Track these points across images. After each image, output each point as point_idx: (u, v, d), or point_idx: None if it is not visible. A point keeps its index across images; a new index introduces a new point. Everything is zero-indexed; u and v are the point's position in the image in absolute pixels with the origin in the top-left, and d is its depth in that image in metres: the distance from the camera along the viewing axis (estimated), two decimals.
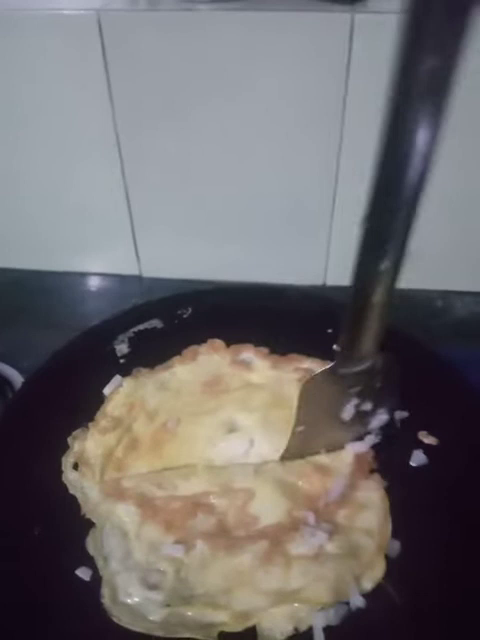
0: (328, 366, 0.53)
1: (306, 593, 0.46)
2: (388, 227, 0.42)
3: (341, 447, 0.55)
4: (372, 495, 0.52)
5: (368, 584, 0.47)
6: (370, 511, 0.51)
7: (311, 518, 0.50)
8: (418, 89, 0.34)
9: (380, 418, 0.56)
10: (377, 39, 0.62)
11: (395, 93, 0.35)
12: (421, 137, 0.36)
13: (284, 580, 0.47)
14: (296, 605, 0.45)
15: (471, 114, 0.65)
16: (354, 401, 0.54)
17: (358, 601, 0.46)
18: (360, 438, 0.56)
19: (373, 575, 0.47)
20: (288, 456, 0.55)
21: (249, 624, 0.45)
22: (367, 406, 0.54)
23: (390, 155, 0.38)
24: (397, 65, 0.34)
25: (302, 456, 0.55)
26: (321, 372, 0.54)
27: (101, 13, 0.64)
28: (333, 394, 0.53)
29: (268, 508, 0.51)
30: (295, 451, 0.55)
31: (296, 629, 0.45)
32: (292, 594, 0.46)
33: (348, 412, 0.54)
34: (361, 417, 0.55)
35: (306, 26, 0.63)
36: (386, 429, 0.57)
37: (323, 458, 0.54)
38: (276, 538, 0.49)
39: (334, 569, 0.47)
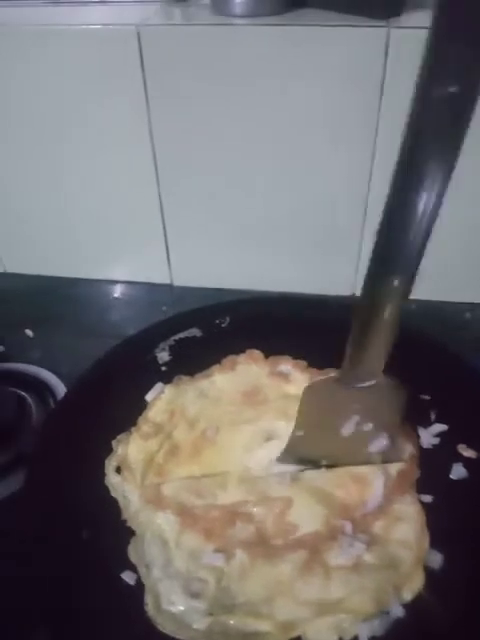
0: (332, 375, 0.53)
1: (348, 603, 0.46)
2: (400, 243, 0.42)
3: (338, 464, 0.55)
4: (408, 508, 0.52)
5: (408, 595, 0.47)
6: (406, 523, 0.51)
7: (348, 527, 0.50)
8: (437, 115, 0.35)
9: (380, 442, 0.55)
10: (412, 54, 0.62)
11: (414, 118, 0.36)
12: (436, 163, 0.37)
13: (324, 590, 0.47)
14: (340, 616, 0.46)
15: None
16: (355, 418, 0.53)
17: (399, 611, 0.46)
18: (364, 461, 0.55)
19: (412, 586, 0.48)
20: (283, 459, 0.55)
21: (294, 635, 0.45)
22: (367, 426, 0.54)
23: (406, 174, 0.39)
24: (417, 91, 0.34)
25: (301, 462, 0.55)
26: (325, 380, 0.55)
27: (140, 28, 0.65)
28: (334, 405, 0.53)
29: (306, 516, 0.51)
30: (292, 456, 0.55)
31: (340, 639, 0.45)
32: (335, 605, 0.46)
33: (348, 428, 0.54)
34: (361, 437, 0.54)
35: (341, 41, 0.64)
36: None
37: (363, 469, 0.55)
38: (314, 547, 0.49)
39: (374, 580, 0.47)
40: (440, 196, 0.39)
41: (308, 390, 0.54)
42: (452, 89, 0.33)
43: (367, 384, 0.51)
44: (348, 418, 0.53)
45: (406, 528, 0.51)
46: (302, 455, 0.55)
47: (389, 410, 0.54)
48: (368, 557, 0.49)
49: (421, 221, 0.40)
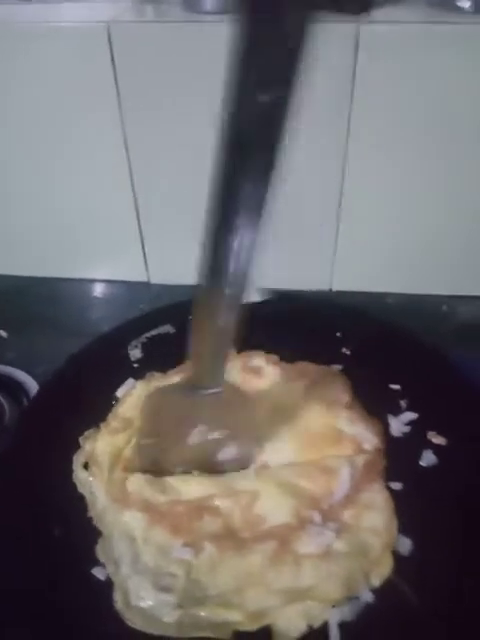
0: (173, 383, 0.54)
1: (318, 591, 0.47)
2: (224, 257, 0.41)
3: (191, 471, 0.54)
4: (376, 496, 0.53)
5: (376, 580, 0.48)
6: (375, 511, 0.52)
7: (317, 517, 0.51)
8: (250, 124, 0.34)
9: (230, 451, 0.55)
10: (382, 50, 0.63)
11: (229, 127, 0.35)
12: (252, 178, 0.38)
13: (295, 579, 0.47)
14: (309, 603, 0.46)
15: (469, 122, 0.67)
16: (202, 427, 0.54)
17: (368, 597, 0.47)
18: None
19: (381, 572, 0.48)
20: (134, 469, 0.55)
21: (264, 623, 0.45)
22: (214, 435, 0.54)
23: (222, 187, 0.39)
24: (229, 101, 0.34)
25: (153, 471, 0.54)
26: (169, 387, 0.55)
27: (111, 25, 0.65)
28: (181, 413, 0.53)
29: (273, 508, 0.51)
30: (144, 464, 0.55)
31: (310, 626, 0.45)
32: (304, 592, 0.47)
33: (194, 437, 0.54)
34: (209, 445, 0.54)
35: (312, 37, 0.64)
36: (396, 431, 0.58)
37: (329, 461, 0.55)
38: (283, 538, 0.49)
39: (344, 566, 0.48)
40: (260, 208, 0.39)
41: (151, 398, 0.55)
42: (263, 98, 0.32)
43: (210, 392, 0.51)
44: (195, 426, 0.54)
45: (375, 516, 0.51)
46: (152, 463, 0.55)
47: (236, 417, 0.54)
48: (338, 545, 0.49)
49: (242, 235, 0.40)
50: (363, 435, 0.57)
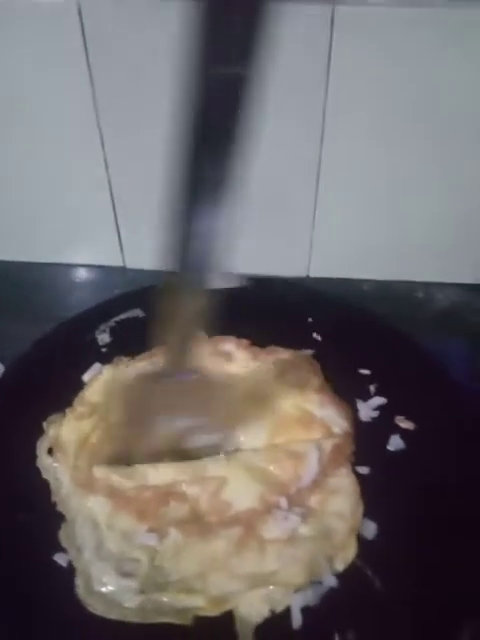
0: (145, 372, 0.54)
1: (281, 575, 0.47)
2: (188, 240, 0.42)
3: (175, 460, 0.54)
4: (343, 481, 0.53)
5: (340, 565, 0.48)
6: (341, 496, 0.52)
7: (283, 502, 0.51)
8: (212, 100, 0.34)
9: (203, 437, 0.55)
10: (358, 31, 0.63)
11: (189, 105, 0.34)
12: (216, 154, 0.37)
13: (259, 564, 0.47)
14: (271, 588, 0.46)
15: (447, 106, 0.66)
16: (173, 414, 0.54)
17: (331, 581, 0.47)
18: None
19: (345, 556, 0.48)
20: (103, 459, 0.54)
21: (226, 608, 0.45)
22: (187, 421, 0.54)
23: (185, 168, 0.38)
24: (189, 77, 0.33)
25: (126, 461, 0.54)
26: (146, 376, 0.54)
27: (81, 1, 0.64)
28: (151, 402, 0.53)
29: (241, 494, 0.51)
30: (117, 454, 0.54)
31: (272, 611, 0.45)
32: (267, 577, 0.47)
33: (167, 425, 0.54)
34: (184, 432, 0.54)
35: (286, 19, 0.63)
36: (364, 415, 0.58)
37: (298, 445, 0.55)
38: (249, 523, 0.49)
39: (307, 551, 0.48)
40: (224, 188, 0.38)
41: (123, 387, 0.55)
42: (228, 70, 0.32)
43: (181, 378, 0.51)
44: (167, 414, 0.54)
45: (341, 500, 0.51)
46: (125, 453, 0.54)
47: (209, 402, 0.54)
48: (303, 530, 0.49)
49: (206, 216, 0.40)
50: (332, 419, 0.57)
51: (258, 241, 0.83)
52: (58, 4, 0.64)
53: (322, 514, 0.51)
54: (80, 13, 0.64)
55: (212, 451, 0.55)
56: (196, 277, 0.44)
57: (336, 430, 0.56)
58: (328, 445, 0.54)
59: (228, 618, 0.45)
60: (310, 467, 0.53)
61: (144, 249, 0.85)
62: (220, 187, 0.38)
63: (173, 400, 0.53)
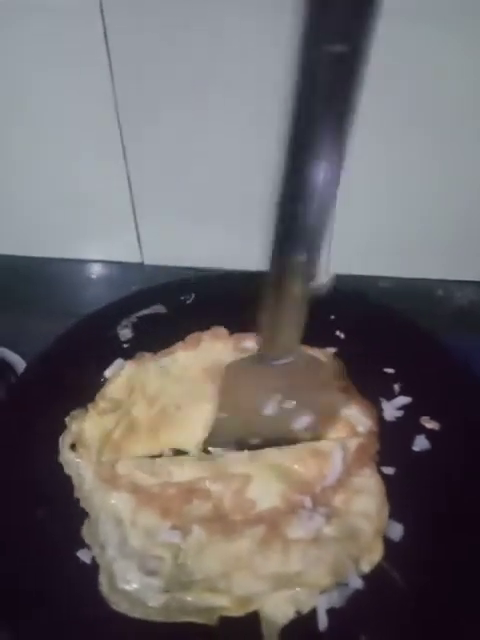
0: (250, 355, 0.53)
1: (306, 577, 0.46)
2: (300, 218, 0.40)
3: (266, 445, 0.54)
4: (368, 481, 0.52)
5: (366, 566, 0.47)
6: (366, 496, 0.51)
7: (308, 502, 0.50)
8: (325, 76, 0.32)
9: (304, 419, 0.55)
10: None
11: (301, 81, 0.33)
12: (329, 130, 0.35)
13: (283, 564, 0.47)
14: (297, 589, 0.45)
15: (461, 101, 0.65)
16: (277, 397, 0.53)
17: (357, 583, 0.46)
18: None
19: (371, 558, 0.48)
20: (209, 444, 0.55)
21: (250, 609, 0.45)
22: (290, 404, 0.54)
23: (297, 143, 0.37)
24: (302, 52, 0.32)
25: (227, 445, 0.55)
26: (244, 359, 0.53)
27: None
28: (256, 384, 0.53)
29: (264, 492, 0.51)
30: (218, 438, 0.55)
31: (298, 612, 0.45)
32: (292, 578, 0.46)
33: (271, 407, 0.53)
34: (285, 415, 0.54)
35: (291, 8, 0.62)
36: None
37: (322, 444, 0.54)
38: (273, 522, 0.49)
39: (332, 552, 0.47)
40: (336, 165, 0.37)
41: (229, 370, 0.54)
42: (338, 48, 0.31)
43: (284, 361, 0.50)
44: (270, 397, 0.53)
45: (366, 500, 0.51)
46: (228, 437, 0.55)
47: (311, 385, 0.54)
48: (328, 530, 0.49)
49: (318, 193, 0.38)
50: (357, 418, 0.57)
51: None
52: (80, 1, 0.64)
53: (347, 514, 0.50)
54: (102, 10, 0.63)
55: (314, 436, 0.55)
56: (307, 260, 0.42)
57: (360, 429, 0.56)
58: (353, 444, 0.54)
59: (253, 619, 0.44)
60: (334, 466, 0.52)
61: (163, 245, 0.86)
62: (333, 164, 0.37)
63: (276, 383, 0.53)
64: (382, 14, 0.61)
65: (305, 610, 0.45)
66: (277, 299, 0.45)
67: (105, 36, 0.65)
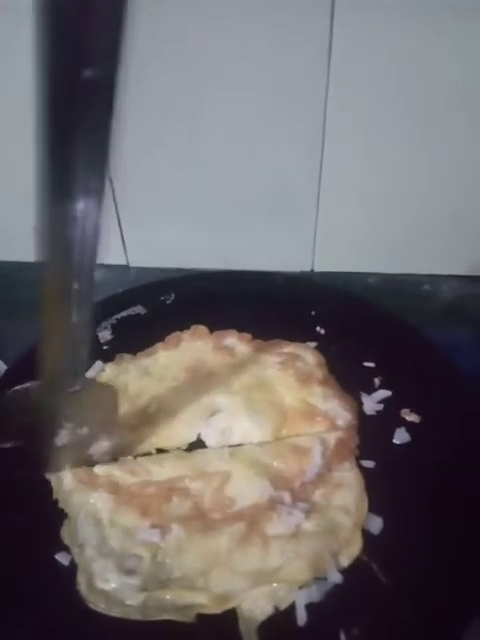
0: (33, 383, 0.50)
1: (285, 572, 0.46)
2: (67, 243, 0.39)
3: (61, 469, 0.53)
4: (347, 474, 0.52)
5: (345, 560, 0.47)
6: (346, 490, 0.51)
7: (287, 497, 0.50)
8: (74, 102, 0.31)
9: (101, 444, 0.54)
10: (359, 20, 0.62)
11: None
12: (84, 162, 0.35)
13: (262, 560, 0.47)
14: (275, 585, 0.45)
15: (450, 96, 0.65)
16: (69, 425, 0.52)
17: (336, 577, 0.46)
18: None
19: (350, 552, 0.48)
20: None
21: (229, 606, 0.45)
22: (83, 430, 0.52)
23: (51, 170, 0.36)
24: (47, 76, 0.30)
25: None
26: (29, 388, 0.51)
27: None
28: (47, 412, 0.51)
29: (244, 489, 0.51)
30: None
31: (276, 608, 0.44)
32: (271, 574, 0.46)
33: (63, 437, 0.52)
34: (80, 441, 0.53)
35: (286, 6, 0.63)
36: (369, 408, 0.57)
37: (301, 440, 0.54)
38: (253, 519, 0.49)
39: (312, 547, 0.47)
40: (98, 190, 0.37)
41: (10, 398, 0.52)
42: (88, 74, 0.30)
43: (73, 389, 0.49)
44: (62, 425, 0.52)
45: (346, 494, 0.51)
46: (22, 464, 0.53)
47: (104, 410, 0.54)
48: (307, 525, 0.49)
49: (83, 219, 0.38)
50: (337, 412, 0.57)
51: (262, 236, 0.83)
52: None
53: (326, 509, 0.50)
54: None
55: (112, 458, 0.54)
56: (80, 284, 0.42)
57: (340, 423, 0.56)
58: (332, 438, 0.54)
59: (231, 616, 0.44)
60: (314, 461, 0.52)
61: (147, 247, 0.86)
62: (94, 187, 0.38)
63: (67, 411, 0.51)
64: (373, 9, 0.61)
65: (283, 606, 0.45)
66: (53, 328, 0.45)
67: None
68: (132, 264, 0.88)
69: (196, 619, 0.44)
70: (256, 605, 0.44)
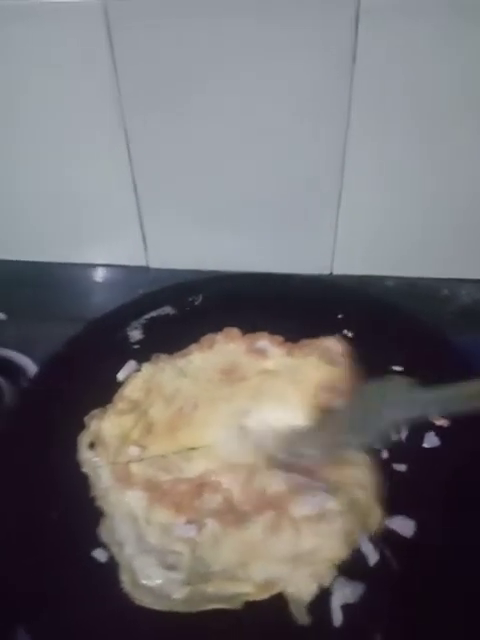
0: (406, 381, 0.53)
1: (322, 552, 0.48)
2: None
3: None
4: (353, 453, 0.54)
5: (371, 531, 0.49)
6: (355, 467, 0.53)
7: (308, 480, 0.52)
8: None
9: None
10: (384, 24, 0.62)
11: None
12: None
13: (296, 544, 0.48)
14: (316, 565, 0.47)
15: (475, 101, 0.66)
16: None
17: (368, 550, 0.48)
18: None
19: (374, 522, 0.50)
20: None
21: (274, 592, 0.46)
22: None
23: None
24: None
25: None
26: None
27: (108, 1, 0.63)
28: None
29: (269, 479, 0.52)
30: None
31: (320, 586, 0.46)
32: (308, 555, 0.48)
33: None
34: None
35: (311, 11, 0.63)
36: None
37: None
38: (280, 505, 0.50)
39: (341, 524, 0.49)
40: None
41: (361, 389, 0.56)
42: None
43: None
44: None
45: (357, 471, 0.53)
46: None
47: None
48: (331, 504, 0.50)
49: None
50: None
51: (282, 238, 0.83)
52: (83, 3, 0.64)
53: (344, 486, 0.52)
54: (106, 10, 0.63)
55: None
56: None
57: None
58: None
59: (277, 601, 0.46)
60: None
61: (168, 249, 0.86)
62: None
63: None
64: (409, 11, 0.60)
65: (327, 583, 0.46)
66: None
67: (109, 36, 0.65)
68: (152, 265, 0.88)
69: (245, 605, 0.45)
70: (301, 586, 0.46)
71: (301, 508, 0.50)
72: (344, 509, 0.50)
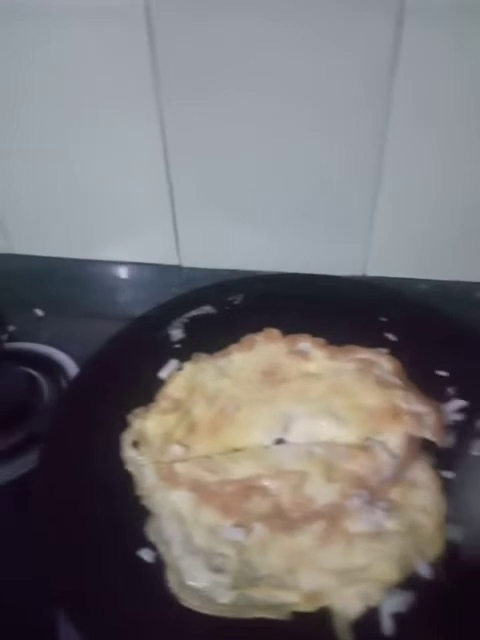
0: None
1: (373, 571, 0.46)
2: None
3: None
4: (422, 474, 0.53)
5: (430, 561, 0.47)
6: (422, 490, 0.52)
7: (366, 496, 0.50)
8: None
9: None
10: (427, 24, 0.61)
11: None
12: None
13: (347, 558, 0.47)
14: (366, 584, 0.45)
15: None
16: None
17: (425, 571, 0.46)
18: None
19: (433, 552, 0.48)
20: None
21: (321, 604, 0.45)
22: None
23: None
24: None
25: None
26: None
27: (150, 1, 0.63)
28: None
29: (321, 489, 0.51)
30: None
31: (367, 607, 0.45)
32: (359, 572, 0.46)
33: None
34: None
35: (350, 15, 0.62)
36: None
37: (368, 441, 0.55)
38: (332, 517, 0.49)
39: (397, 547, 0.47)
40: None
41: None
42: None
43: None
44: None
45: (423, 494, 0.51)
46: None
47: None
48: (389, 524, 0.49)
49: None
50: (422, 410, 0.56)
51: (315, 240, 0.83)
52: (123, 5, 0.64)
53: (405, 508, 0.50)
54: (148, 13, 0.63)
55: None
56: None
57: (428, 420, 0.56)
58: (402, 438, 0.54)
59: (326, 613, 0.45)
60: (384, 461, 0.53)
61: (201, 248, 0.86)
62: None
63: None
64: (453, 16, 0.60)
65: (374, 604, 0.45)
66: None
67: (148, 30, 0.65)
68: (185, 264, 0.87)
69: (291, 616, 0.44)
70: (348, 603, 0.45)
71: (355, 523, 0.48)
72: (402, 531, 0.48)
